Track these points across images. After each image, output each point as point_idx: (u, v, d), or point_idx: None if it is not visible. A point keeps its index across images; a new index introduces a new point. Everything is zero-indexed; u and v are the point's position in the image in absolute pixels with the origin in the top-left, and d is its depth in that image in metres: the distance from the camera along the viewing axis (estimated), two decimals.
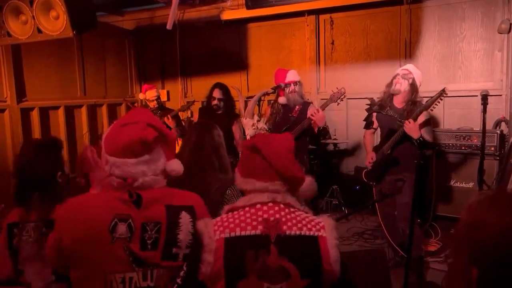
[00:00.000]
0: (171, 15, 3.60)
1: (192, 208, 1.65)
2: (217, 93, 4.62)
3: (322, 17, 5.67)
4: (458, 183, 4.45)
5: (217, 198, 2.24)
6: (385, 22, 5.34)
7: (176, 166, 1.69)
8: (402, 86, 3.51)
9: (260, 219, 1.46)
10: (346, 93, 4.05)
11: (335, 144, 5.37)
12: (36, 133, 5.26)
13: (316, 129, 4.08)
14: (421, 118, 3.41)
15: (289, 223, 1.46)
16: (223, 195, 2.28)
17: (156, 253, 1.56)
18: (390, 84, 3.61)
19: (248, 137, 3.86)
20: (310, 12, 5.60)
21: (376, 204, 3.79)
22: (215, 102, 4.59)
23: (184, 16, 6.08)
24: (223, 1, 3.81)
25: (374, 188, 3.76)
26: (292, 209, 1.50)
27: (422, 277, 3.42)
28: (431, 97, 3.40)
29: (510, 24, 4.18)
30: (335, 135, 5.40)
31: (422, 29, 5.12)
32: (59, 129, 5.56)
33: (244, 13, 5.11)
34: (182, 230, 1.59)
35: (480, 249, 0.87)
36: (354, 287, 1.60)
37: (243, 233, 1.43)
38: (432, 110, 3.46)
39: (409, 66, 3.66)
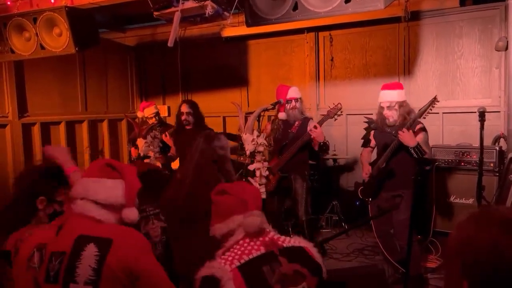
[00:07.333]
0: (173, 33, 3.64)
1: (108, 241, 1.47)
2: (184, 108, 4.66)
3: (321, 34, 5.74)
4: (458, 199, 4.45)
5: None
6: (384, 39, 5.40)
7: (131, 215, 1.64)
8: (393, 117, 3.55)
9: (258, 242, 1.61)
10: (345, 109, 4.10)
11: (334, 160, 5.38)
12: (37, 148, 5.28)
13: (317, 145, 4.13)
14: (419, 133, 3.44)
15: (280, 239, 1.67)
16: None
17: (56, 287, 1.45)
18: (380, 115, 3.62)
19: (247, 153, 3.87)
20: (309, 29, 5.68)
21: (372, 221, 3.79)
22: (183, 117, 4.64)
23: (185, 33, 6.15)
24: (223, 19, 3.86)
25: (369, 205, 3.75)
26: (268, 230, 1.69)
27: None
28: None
29: (507, 41, 4.22)
30: (334, 150, 5.42)
31: (420, 46, 5.18)
32: (60, 144, 5.58)
33: (244, 30, 5.16)
34: (82, 263, 1.42)
35: (471, 262, 0.90)
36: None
37: (251, 256, 1.56)
38: (424, 118, 3.47)
39: (387, 96, 3.56)
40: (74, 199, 1.59)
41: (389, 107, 3.54)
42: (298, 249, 1.65)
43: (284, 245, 1.63)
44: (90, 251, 1.44)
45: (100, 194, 1.58)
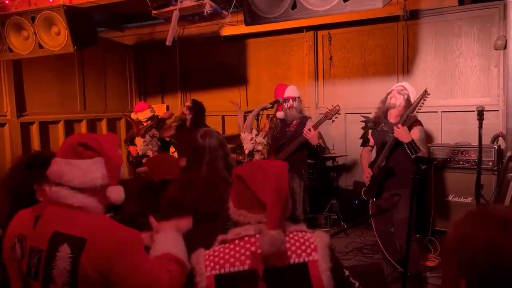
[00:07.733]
0: (171, 31, 3.64)
1: (81, 241, 1.36)
2: (188, 102, 4.88)
3: (320, 33, 5.74)
4: (457, 198, 4.45)
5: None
6: (383, 38, 5.40)
7: (116, 194, 1.53)
8: (397, 100, 3.55)
9: (248, 252, 1.42)
10: (344, 107, 4.10)
11: (333, 159, 5.38)
12: (36, 147, 5.26)
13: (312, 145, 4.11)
14: (415, 130, 3.46)
15: (283, 252, 1.41)
16: None
17: (37, 284, 1.39)
18: (384, 100, 3.64)
19: (246, 151, 3.87)
20: (308, 28, 5.67)
21: (372, 220, 3.78)
22: (183, 109, 4.82)
23: (184, 32, 6.14)
24: (222, 18, 3.86)
25: (370, 204, 3.75)
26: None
27: None
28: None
29: (506, 40, 4.23)
30: (333, 149, 5.42)
31: (419, 45, 5.18)
32: (59, 144, 5.58)
33: (243, 29, 5.16)
34: (57, 265, 1.35)
35: (468, 261, 0.90)
36: None
37: (232, 269, 1.41)
38: (417, 112, 3.51)
39: (404, 83, 3.72)
40: (50, 183, 1.47)
41: (399, 91, 3.57)
42: (297, 270, 1.40)
43: (277, 264, 1.40)
44: (64, 252, 1.35)
45: (75, 179, 1.44)
